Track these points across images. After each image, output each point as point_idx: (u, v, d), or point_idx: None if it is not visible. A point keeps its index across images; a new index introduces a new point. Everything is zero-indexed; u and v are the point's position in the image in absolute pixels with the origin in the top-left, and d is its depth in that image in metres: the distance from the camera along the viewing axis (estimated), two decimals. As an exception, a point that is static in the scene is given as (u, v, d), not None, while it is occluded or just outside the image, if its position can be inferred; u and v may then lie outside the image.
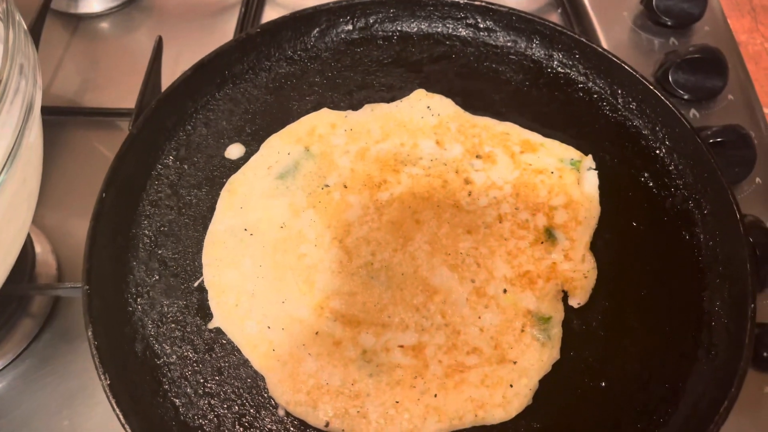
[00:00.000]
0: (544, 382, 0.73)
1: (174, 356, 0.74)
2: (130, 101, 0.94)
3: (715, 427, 0.66)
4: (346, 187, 0.84)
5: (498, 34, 0.99)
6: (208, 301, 0.77)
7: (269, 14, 1.20)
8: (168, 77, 0.96)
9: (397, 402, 0.70)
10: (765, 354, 0.81)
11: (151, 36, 1.02)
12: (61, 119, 1.06)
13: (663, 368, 0.74)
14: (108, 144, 1.05)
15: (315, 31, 0.98)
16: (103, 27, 1.20)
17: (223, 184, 0.86)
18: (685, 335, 0.76)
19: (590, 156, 0.87)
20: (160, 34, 1.00)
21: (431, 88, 0.93)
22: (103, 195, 0.78)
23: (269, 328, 0.75)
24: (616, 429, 0.71)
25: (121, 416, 0.66)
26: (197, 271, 0.80)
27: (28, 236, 0.90)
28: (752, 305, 0.73)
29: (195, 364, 0.74)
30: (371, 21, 0.99)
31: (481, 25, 0.98)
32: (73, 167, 1.02)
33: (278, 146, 0.88)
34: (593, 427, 0.71)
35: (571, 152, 0.88)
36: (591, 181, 0.85)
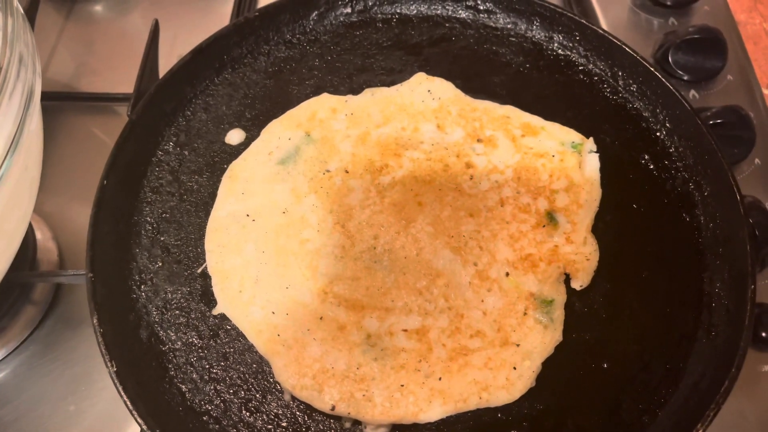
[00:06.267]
0: (546, 364, 0.74)
1: (179, 342, 0.75)
2: (127, 86, 0.93)
3: (716, 406, 0.67)
4: (347, 171, 0.84)
5: (498, 15, 0.98)
6: (211, 287, 0.78)
7: (266, -4, 1.19)
8: (165, 61, 0.95)
9: (402, 385, 0.71)
10: (764, 334, 0.82)
11: (147, 18, 1.01)
12: (57, 105, 1.05)
13: (664, 349, 0.75)
14: (106, 129, 1.05)
15: (314, 14, 0.97)
16: (97, 10, 1.19)
17: (224, 170, 0.85)
18: (686, 316, 0.77)
19: (591, 139, 0.87)
20: (156, 17, 0.98)
21: (431, 70, 0.93)
22: (104, 182, 0.78)
23: (273, 313, 0.75)
24: (618, 409, 0.72)
25: (128, 402, 0.67)
26: (200, 257, 0.80)
27: (29, 223, 0.90)
28: (752, 286, 0.73)
29: (200, 350, 0.74)
30: (370, 3, 0.98)
31: (481, 7, 0.98)
32: (70, 153, 1.02)
33: (279, 131, 0.87)
34: (595, 407, 0.72)
35: (572, 135, 0.88)
36: (592, 163, 0.85)
